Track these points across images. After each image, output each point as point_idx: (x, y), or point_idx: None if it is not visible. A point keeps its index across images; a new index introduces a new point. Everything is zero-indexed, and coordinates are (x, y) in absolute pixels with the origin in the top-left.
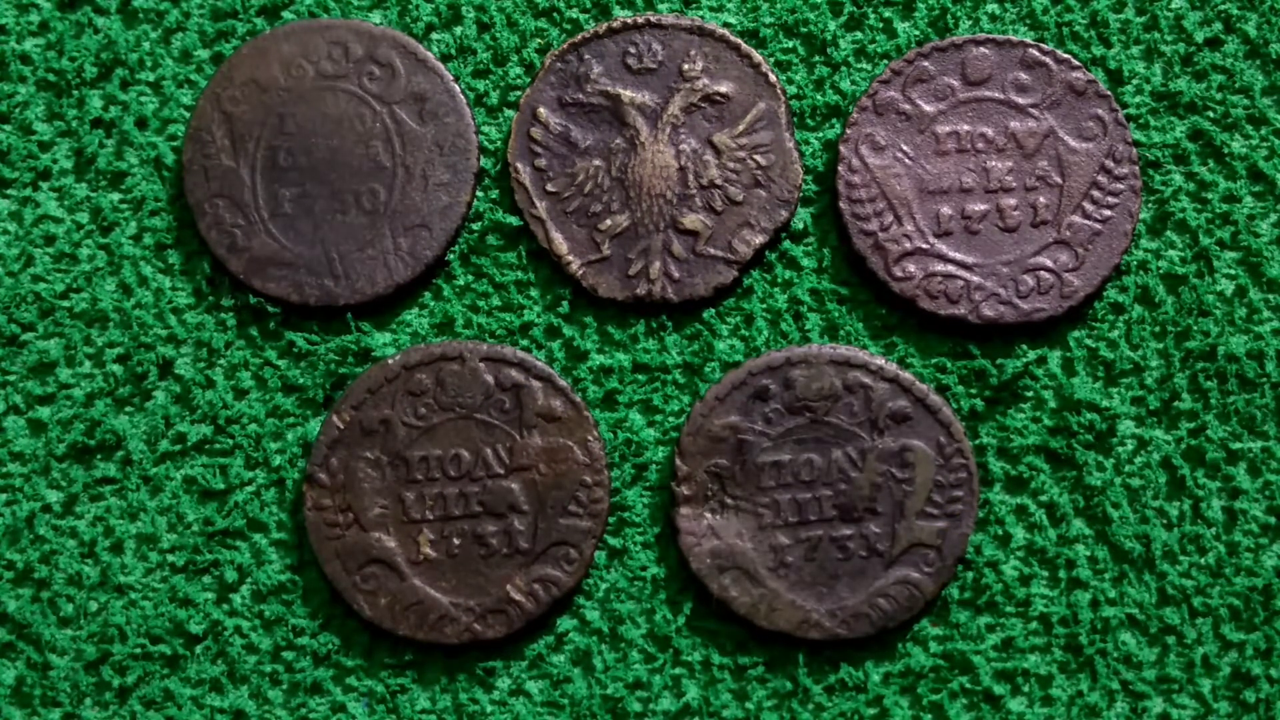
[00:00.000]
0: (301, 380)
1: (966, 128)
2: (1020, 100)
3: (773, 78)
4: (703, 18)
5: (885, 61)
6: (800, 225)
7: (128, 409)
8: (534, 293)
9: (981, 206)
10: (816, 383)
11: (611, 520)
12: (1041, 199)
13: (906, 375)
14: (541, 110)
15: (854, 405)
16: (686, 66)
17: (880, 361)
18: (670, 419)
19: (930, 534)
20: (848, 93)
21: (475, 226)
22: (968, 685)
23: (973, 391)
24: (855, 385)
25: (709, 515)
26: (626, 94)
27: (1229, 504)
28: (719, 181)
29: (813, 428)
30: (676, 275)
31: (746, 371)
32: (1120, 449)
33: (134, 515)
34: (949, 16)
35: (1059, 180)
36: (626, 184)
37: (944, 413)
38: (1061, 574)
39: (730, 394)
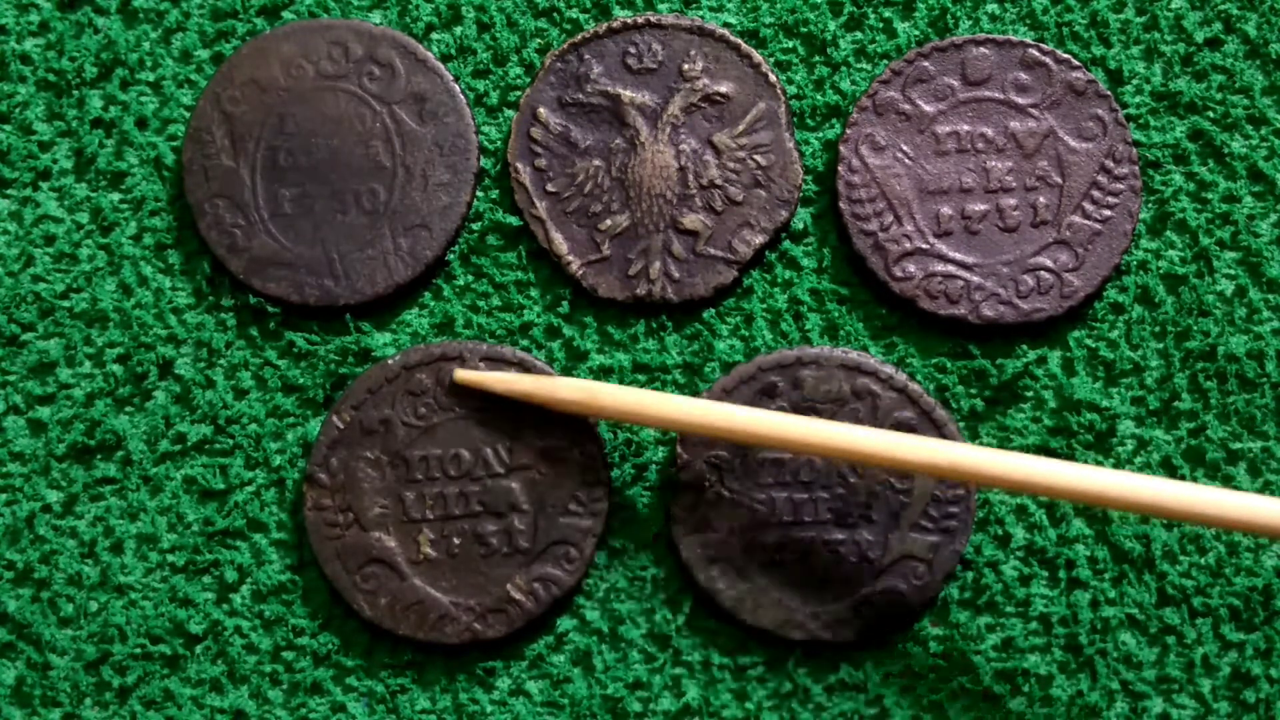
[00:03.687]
0: (301, 380)
1: (966, 128)
2: (1020, 100)
3: (773, 78)
4: (703, 18)
5: (885, 61)
6: (800, 225)
7: (128, 409)
8: (534, 293)
9: (981, 206)
10: (825, 385)
11: (612, 520)
12: (1041, 199)
13: (915, 387)
14: (541, 110)
15: (860, 411)
16: (686, 66)
17: (890, 370)
18: None
19: (923, 547)
20: (848, 93)
21: (475, 226)
22: (968, 685)
23: (973, 391)
24: (863, 391)
25: (704, 505)
26: (626, 94)
27: None
28: (719, 181)
29: None
30: (676, 275)
31: (757, 366)
32: (1120, 449)
33: (134, 515)
34: (949, 16)
35: (1059, 180)
36: (626, 184)
37: (949, 428)
38: (1061, 574)
39: (739, 387)
